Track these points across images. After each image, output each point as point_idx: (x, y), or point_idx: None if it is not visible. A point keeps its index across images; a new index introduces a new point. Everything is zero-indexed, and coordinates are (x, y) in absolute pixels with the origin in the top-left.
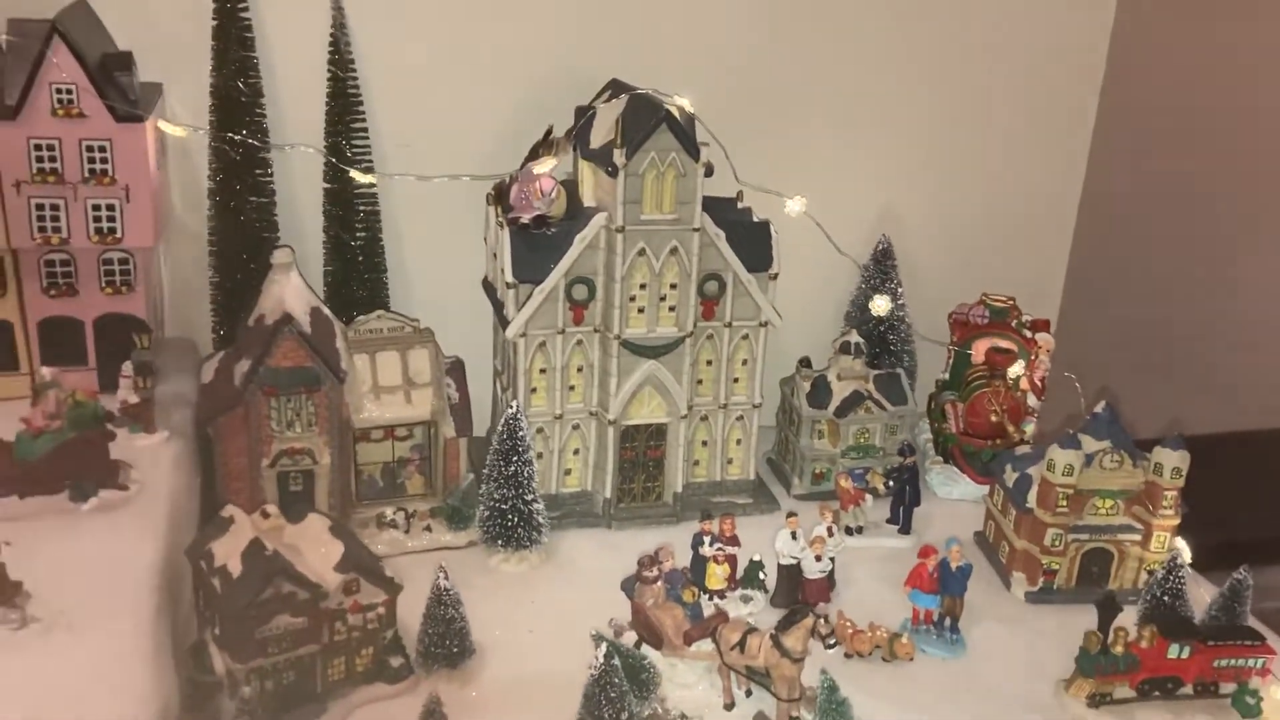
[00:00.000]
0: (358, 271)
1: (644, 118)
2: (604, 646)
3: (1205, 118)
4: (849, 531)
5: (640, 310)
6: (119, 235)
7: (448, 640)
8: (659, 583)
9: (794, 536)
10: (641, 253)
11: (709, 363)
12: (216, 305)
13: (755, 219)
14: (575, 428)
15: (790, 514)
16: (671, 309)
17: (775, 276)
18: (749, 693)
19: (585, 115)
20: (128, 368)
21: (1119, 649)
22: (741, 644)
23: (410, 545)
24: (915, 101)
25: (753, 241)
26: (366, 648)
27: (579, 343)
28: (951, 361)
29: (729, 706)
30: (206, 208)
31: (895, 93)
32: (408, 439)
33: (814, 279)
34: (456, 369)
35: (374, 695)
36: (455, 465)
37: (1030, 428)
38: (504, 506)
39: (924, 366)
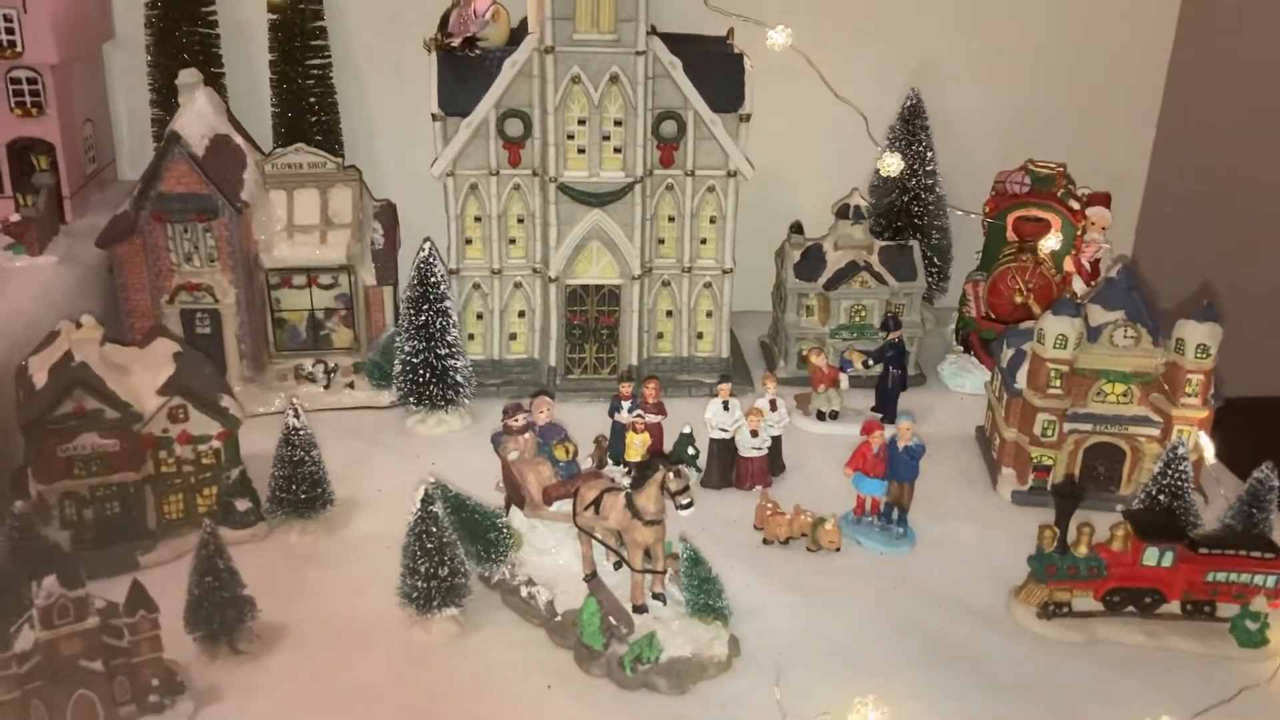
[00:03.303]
0: (308, 109)
1: None
2: (422, 491)
3: None
4: (820, 416)
5: (580, 151)
6: (19, 49)
7: (294, 485)
8: (526, 435)
9: (726, 407)
10: (576, 80)
11: (670, 219)
12: (159, 143)
13: (732, 52)
14: (517, 286)
15: (723, 379)
16: (617, 150)
17: (747, 118)
18: (618, 565)
19: None
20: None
21: (1081, 549)
22: (597, 504)
23: (327, 401)
24: None
25: (721, 76)
26: (208, 487)
27: (516, 187)
28: (985, 238)
29: (589, 578)
30: (145, 39)
31: None
32: (332, 287)
33: (840, 137)
34: (386, 213)
35: None
36: (379, 316)
37: None
38: (415, 361)
39: (963, 246)
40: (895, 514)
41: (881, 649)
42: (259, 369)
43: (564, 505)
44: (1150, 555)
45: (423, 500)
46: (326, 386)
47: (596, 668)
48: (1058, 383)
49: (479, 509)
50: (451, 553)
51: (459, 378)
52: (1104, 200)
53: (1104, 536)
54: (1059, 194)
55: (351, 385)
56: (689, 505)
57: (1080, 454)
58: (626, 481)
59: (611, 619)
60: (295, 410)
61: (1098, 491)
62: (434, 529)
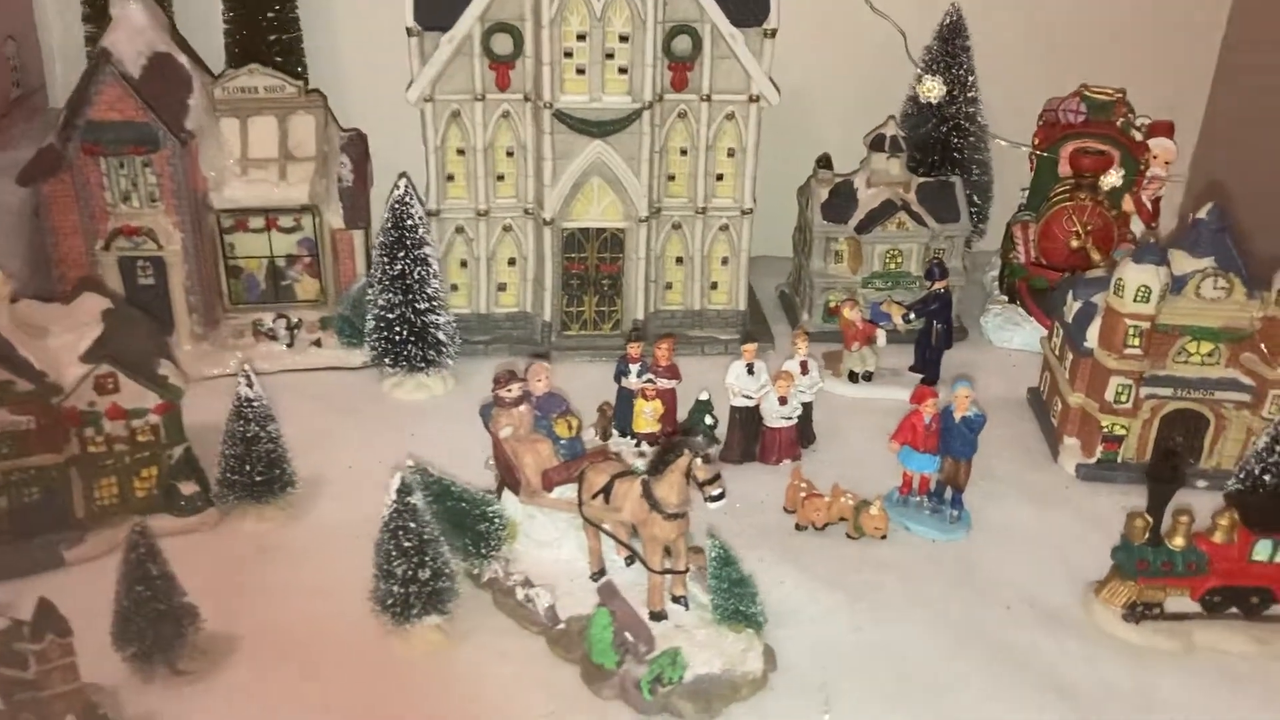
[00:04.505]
0: (265, 25)
1: None
2: (398, 479)
3: None
4: (853, 377)
5: (579, 71)
6: None
7: (248, 466)
8: (521, 407)
9: (750, 370)
10: None
11: (682, 152)
12: None
13: None
14: (507, 229)
15: (747, 338)
16: (622, 70)
17: (772, 34)
18: (630, 561)
19: None
20: None
21: (1178, 541)
22: (606, 491)
23: (290, 361)
24: None
25: None
26: (146, 468)
27: (505, 115)
28: (1033, 174)
29: (596, 576)
30: None
31: None
32: (294, 230)
33: (870, 58)
34: (355, 144)
35: (156, 529)
36: (349, 264)
37: None
38: (390, 316)
39: (1006, 184)
40: (948, 494)
41: (940, 658)
42: (212, 325)
43: (567, 491)
44: (1262, 549)
45: (399, 490)
46: (289, 344)
47: (608, 688)
48: (1137, 341)
49: (466, 495)
50: (434, 551)
51: (441, 336)
52: (1167, 130)
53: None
54: (1119, 124)
55: (318, 343)
56: (720, 497)
57: (1156, 422)
58: (639, 460)
59: (628, 635)
60: (248, 377)
61: None
62: (412, 524)
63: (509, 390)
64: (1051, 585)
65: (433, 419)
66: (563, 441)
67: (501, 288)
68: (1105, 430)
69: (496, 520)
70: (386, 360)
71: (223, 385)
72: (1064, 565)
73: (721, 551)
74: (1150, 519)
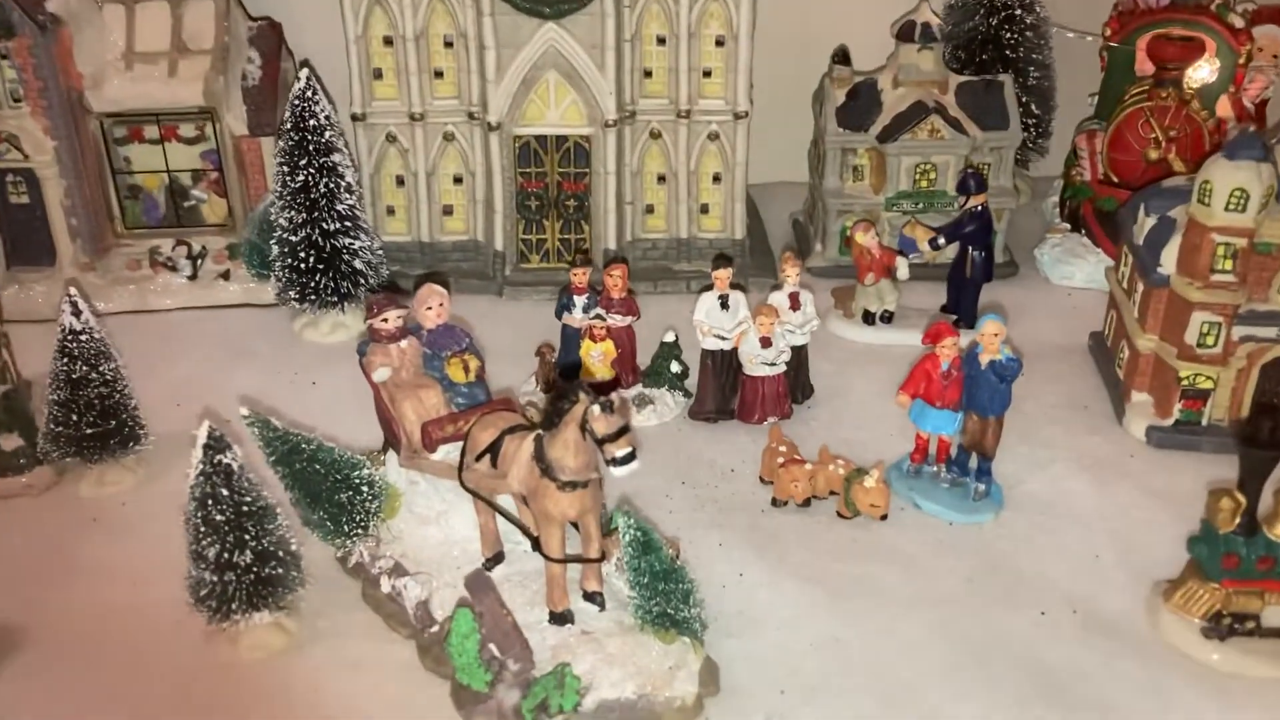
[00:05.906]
0: None
1: None
2: (204, 431)
3: None
4: (868, 318)
5: None
6: None
7: (75, 414)
8: (404, 343)
9: (724, 305)
10: None
11: (660, 40)
12: None
13: None
14: (449, 139)
15: (719, 261)
16: None
17: None
18: (536, 544)
19: None
20: None
21: None
22: (493, 451)
23: (191, 297)
24: None
25: None
26: None
27: None
28: (1104, 74)
29: (490, 563)
30: None
31: None
32: (197, 140)
33: None
34: (265, 36)
35: None
36: (259, 179)
37: None
38: (293, 239)
39: (1072, 91)
40: (974, 463)
41: (945, 680)
42: (102, 253)
43: (453, 451)
44: None
45: (205, 447)
46: (191, 276)
47: (482, 715)
48: (1228, 264)
49: (322, 455)
50: (259, 528)
51: (357, 264)
52: (1277, 16)
53: None
54: (1214, 7)
55: (225, 275)
56: (628, 459)
57: (1255, 373)
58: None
59: (493, 647)
60: (74, 305)
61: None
62: (225, 492)
63: (385, 319)
64: (1105, 586)
65: (344, 364)
66: (460, 388)
67: (447, 211)
68: (1185, 383)
69: (365, 489)
70: (293, 294)
71: (110, 325)
72: (1124, 559)
73: (638, 534)
74: (1243, 499)
